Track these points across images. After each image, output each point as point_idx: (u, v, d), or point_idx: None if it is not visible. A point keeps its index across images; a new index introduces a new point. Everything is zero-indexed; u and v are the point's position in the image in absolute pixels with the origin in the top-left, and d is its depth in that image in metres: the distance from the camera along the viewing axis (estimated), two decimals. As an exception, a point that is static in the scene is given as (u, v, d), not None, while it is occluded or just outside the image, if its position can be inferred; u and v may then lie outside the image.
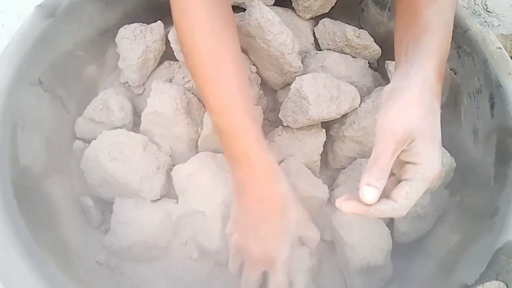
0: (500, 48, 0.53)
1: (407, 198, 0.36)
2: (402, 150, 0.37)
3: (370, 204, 0.36)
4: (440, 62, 0.41)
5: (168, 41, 0.60)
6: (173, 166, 0.58)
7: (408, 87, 0.38)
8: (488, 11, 0.78)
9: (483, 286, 0.41)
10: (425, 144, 0.37)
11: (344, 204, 0.37)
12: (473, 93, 0.55)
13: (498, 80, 0.51)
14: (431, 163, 0.37)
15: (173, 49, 0.60)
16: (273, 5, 0.67)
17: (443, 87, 0.61)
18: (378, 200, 0.36)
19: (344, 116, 0.60)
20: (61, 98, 0.60)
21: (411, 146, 0.37)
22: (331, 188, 0.61)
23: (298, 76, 0.58)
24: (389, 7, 0.64)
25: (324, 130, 0.62)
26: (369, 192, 0.35)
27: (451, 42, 0.58)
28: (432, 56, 0.40)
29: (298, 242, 0.49)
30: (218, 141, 0.47)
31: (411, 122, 0.36)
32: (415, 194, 0.37)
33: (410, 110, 0.37)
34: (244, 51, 0.61)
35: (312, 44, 0.69)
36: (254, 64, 0.62)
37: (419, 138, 0.36)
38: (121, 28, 0.63)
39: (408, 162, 0.37)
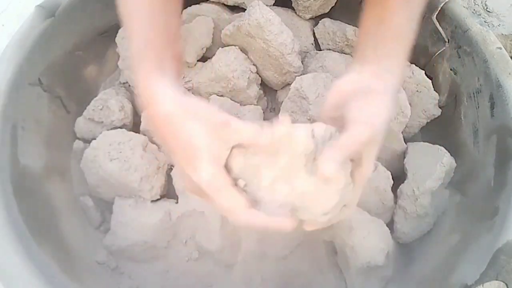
0: (500, 48, 0.53)
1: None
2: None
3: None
4: (404, 67, 0.46)
5: (168, 41, 0.60)
6: (173, 166, 0.58)
7: (383, 92, 0.40)
8: (488, 11, 0.78)
9: (483, 286, 0.41)
10: (375, 149, 0.39)
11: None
12: (473, 93, 0.55)
13: (498, 80, 0.51)
14: (369, 165, 0.40)
15: (173, 49, 0.60)
16: (273, 5, 0.67)
17: (443, 86, 0.61)
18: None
19: (344, 116, 0.60)
20: (61, 98, 0.60)
21: (367, 147, 0.38)
22: (331, 188, 0.61)
23: (298, 76, 0.58)
24: (389, 7, 0.64)
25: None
26: (331, 167, 0.35)
27: (451, 42, 0.58)
28: (401, 65, 0.44)
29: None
30: None
31: (381, 125, 0.38)
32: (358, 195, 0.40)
33: (385, 114, 0.39)
34: (244, 51, 0.61)
35: (312, 44, 0.69)
36: (254, 64, 0.62)
37: (375, 142, 0.39)
38: (121, 28, 0.63)
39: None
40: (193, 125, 0.36)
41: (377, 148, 0.40)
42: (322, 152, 0.36)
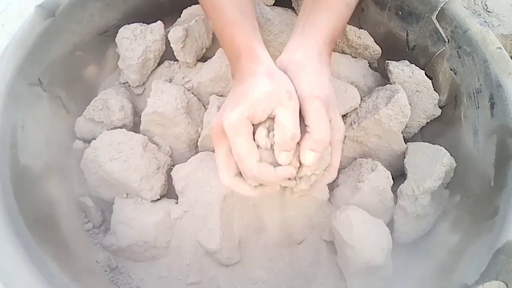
0: (500, 48, 0.53)
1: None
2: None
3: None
4: (331, 39, 0.46)
5: (168, 41, 0.60)
6: (173, 166, 0.58)
7: (308, 60, 0.42)
8: (488, 11, 0.78)
9: (483, 286, 0.41)
10: (336, 110, 0.42)
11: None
12: (473, 93, 0.55)
13: (498, 80, 0.51)
14: (339, 125, 0.42)
15: (173, 49, 0.60)
16: (273, 5, 0.67)
17: (443, 86, 0.61)
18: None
19: (344, 116, 0.60)
20: (61, 98, 0.60)
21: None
22: (331, 188, 0.61)
23: (298, 76, 0.58)
24: (389, 7, 0.64)
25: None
26: (311, 156, 0.39)
27: (451, 42, 0.58)
28: (325, 32, 0.45)
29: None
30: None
31: (326, 90, 0.41)
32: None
33: (322, 80, 0.41)
34: (244, 51, 0.61)
35: (312, 44, 0.69)
36: (254, 64, 0.61)
37: (333, 105, 0.41)
38: (121, 28, 0.63)
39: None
40: (263, 81, 0.39)
41: (335, 107, 0.42)
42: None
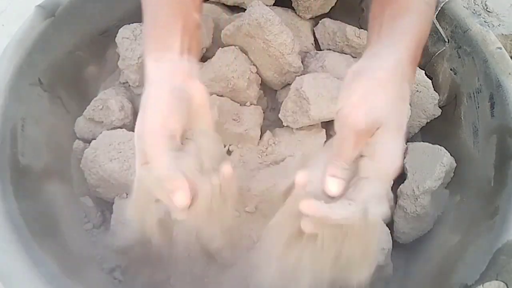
0: (500, 48, 0.53)
1: (367, 200, 0.33)
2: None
3: (335, 196, 0.34)
4: (417, 44, 0.36)
5: (168, 41, 0.60)
6: (173, 166, 0.58)
7: (377, 68, 0.34)
8: (488, 11, 0.78)
9: (483, 286, 0.41)
10: (389, 135, 0.33)
11: (306, 204, 0.33)
12: (473, 93, 0.55)
13: (498, 80, 0.51)
14: (392, 157, 0.34)
15: (173, 49, 0.60)
16: (273, 5, 0.67)
17: (443, 86, 0.61)
18: (338, 203, 0.33)
19: (344, 116, 0.60)
20: (61, 98, 0.60)
21: (374, 136, 0.33)
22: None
23: (298, 76, 0.58)
24: (389, 7, 0.64)
25: (324, 130, 0.62)
26: (334, 183, 0.34)
27: (451, 42, 0.58)
28: (408, 37, 0.36)
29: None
30: None
31: (375, 111, 0.32)
32: (375, 194, 0.33)
33: (376, 95, 0.33)
34: (244, 51, 0.61)
35: (312, 44, 0.69)
36: (254, 64, 0.62)
37: (383, 128, 0.33)
38: (121, 28, 0.63)
39: (364, 155, 0.34)
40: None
41: (394, 135, 0.33)
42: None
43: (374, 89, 0.33)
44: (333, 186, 0.34)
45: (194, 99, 0.38)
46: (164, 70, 0.38)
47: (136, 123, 0.39)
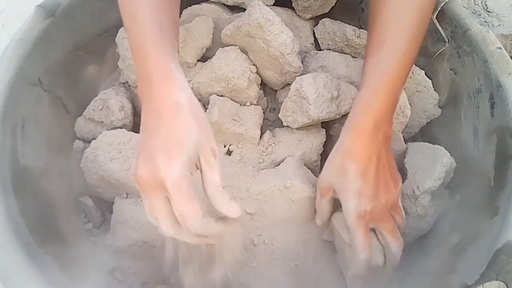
0: (500, 48, 0.53)
1: (355, 245, 0.48)
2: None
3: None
4: (366, 115, 0.44)
5: (168, 41, 0.60)
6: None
7: (333, 150, 0.48)
8: (488, 11, 0.78)
9: (483, 286, 0.41)
10: (341, 195, 0.47)
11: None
12: (473, 93, 0.55)
13: (498, 80, 0.51)
14: (347, 211, 0.46)
15: (173, 49, 0.60)
16: (273, 5, 0.67)
17: (443, 86, 0.61)
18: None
19: (344, 116, 0.60)
20: (61, 98, 0.60)
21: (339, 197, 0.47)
22: (331, 188, 0.61)
23: (298, 76, 0.58)
24: (389, 7, 0.64)
25: (324, 130, 0.62)
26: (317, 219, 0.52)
27: (451, 42, 0.58)
28: (356, 113, 0.46)
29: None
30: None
31: (322, 180, 0.49)
32: (354, 237, 0.47)
33: (324, 171, 0.49)
34: (244, 51, 0.61)
35: (312, 44, 0.69)
36: (254, 64, 0.62)
37: (336, 191, 0.47)
38: (121, 28, 0.63)
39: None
40: (194, 127, 0.37)
41: (346, 194, 0.46)
42: None
43: (325, 167, 0.49)
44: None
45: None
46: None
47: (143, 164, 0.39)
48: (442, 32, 0.59)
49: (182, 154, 0.36)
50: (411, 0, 0.43)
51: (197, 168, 0.39)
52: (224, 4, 0.67)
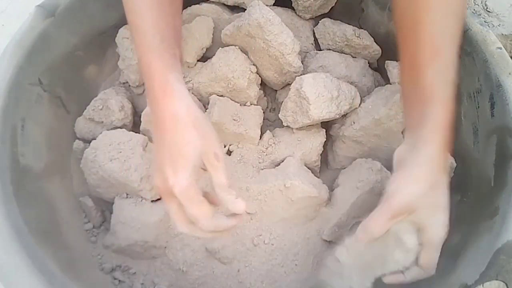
0: (500, 48, 0.53)
1: (431, 261, 0.43)
2: (409, 218, 0.42)
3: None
4: (445, 130, 0.42)
5: (168, 41, 0.60)
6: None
7: (414, 164, 0.42)
8: (488, 11, 0.78)
9: (483, 286, 0.41)
10: (426, 213, 0.42)
11: (386, 278, 0.44)
12: (473, 93, 0.55)
13: (498, 80, 0.51)
14: (436, 226, 0.42)
15: (173, 49, 0.60)
16: (273, 5, 0.67)
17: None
18: (410, 269, 0.44)
19: (344, 116, 0.60)
20: (61, 98, 0.60)
21: (414, 216, 0.42)
22: (331, 188, 0.61)
23: (298, 76, 0.58)
24: (389, 7, 0.64)
25: (324, 130, 0.62)
26: (365, 232, 0.42)
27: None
28: (435, 127, 0.42)
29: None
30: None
31: (408, 198, 0.41)
32: (436, 255, 0.43)
33: (411, 187, 0.41)
34: (244, 51, 0.61)
35: (312, 44, 0.69)
36: (254, 64, 0.62)
37: (419, 209, 0.41)
38: (121, 28, 0.63)
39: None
40: (194, 136, 0.40)
41: (432, 213, 0.42)
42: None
43: (411, 181, 0.41)
44: (364, 234, 0.42)
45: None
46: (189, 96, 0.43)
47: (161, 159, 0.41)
48: (442, 32, 0.59)
49: (187, 165, 0.39)
50: (451, 5, 0.42)
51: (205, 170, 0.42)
52: (224, 4, 0.67)
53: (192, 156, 0.39)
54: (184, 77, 0.63)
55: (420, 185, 0.41)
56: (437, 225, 0.42)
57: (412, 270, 0.44)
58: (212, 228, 0.41)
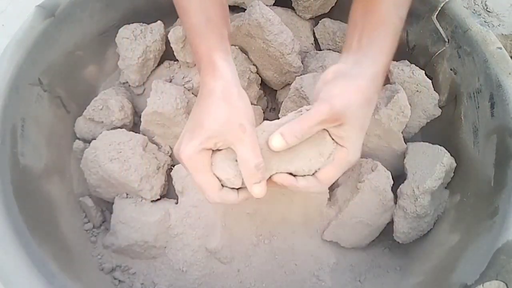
0: (500, 48, 0.53)
1: (329, 179, 0.41)
2: (332, 129, 0.40)
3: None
4: (390, 58, 0.44)
5: (168, 41, 0.60)
6: (173, 166, 0.58)
7: (359, 76, 0.41)
8: (488, 11, 0.78)
9: (483, 286, 0.41)
10: (353, 131, 0.40)
11: (275, 176, 0.41)
12: (473, 93, 0.55)
13: (498, 80, 0.51)
14: (353, 149, 0.41)
15: (173, 49, 0.60)
16: (273, 5, 0.67)
17: (443, 86, 0.61)
18: (304, 177, 0.41)
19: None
20: (61, 98, 0.60)
21: (341, 129, 0.40)
22: (331, 188, 0.61)
23: (298, 76, 0.58)
24: (389, 7, 0.64)
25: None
26: (278, 141, 0.38)
27: (451, 42, 0.58)
28: (385, 51, 0.44)
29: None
30: None
31: (348, 106, 0.39)
32: (337, 175, 0.42)
33: (353, 96, 0.40)
34: (244, 51, 0.61)
35: (312, 44, 0.69)
36: (254, 64, 0.62)
37: (349, 123, 0.40)
38: (121, 28, 0.63)
39: (337, 144, 0.41)
40: (219, 109, 0.40)
41: (356, 131, 0.41)
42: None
43: (352, 91, 0.40)
44: (277, 143, 0.38)
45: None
46: (235, 72, 0.43)
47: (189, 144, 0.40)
48: (442, 32, 0.59)
49: (201, 134, 0.39)
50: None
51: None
52: (224, 4, 0.67)
53: (210, 126, 0.39)
54: (184, 77, 0.63)
55: (360, 96, 0.40)
56: (356, 147, 0.41)
57: (306, 178, 0.41)
58: (218, 201, 0.41)
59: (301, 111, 0.41)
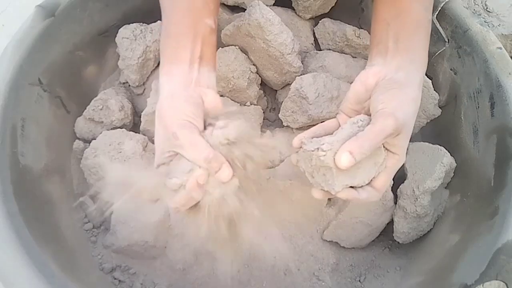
0: (500, 48, 0.53)
1: (385, 186, 0.42)
2: (388, 139, 0.40)
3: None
4: (426, 57, 0.45)
5: (168, 41, 0.60)
6: (173, 166, 0.58)
7: (409, 84, 0.42)
8: (488, 11, 0.78)
9: (483, 286, 0.41)
10: (406, 139, 0.41)
11: (341, 193, 0.40)
12: (473, 93, 0.55)
13: (498, 80, 0.51)
14: (403, 155, 0.41)
15: (173, 49, 0.60)
16: (273, 5, 0.67)
17: (443, 86, 0.61)
18: (364, 188, 0.41)
19: (344, 116, 0.60)
20: (61, 98, 0.60)
21: (396, 139, 0.40)
22: (331, 188, 0.61)
23: (298, 76, 0.58)
24: (389, 7, 0.64)
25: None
26: (347, 160, 0.37)
27: (451, 42, 0.58)
28: (424, 57, 0.44)
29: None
30: None
31: (408, 118, 0.40)
32: (389, 181, 0.42)
33: (410, 107, 0.41)
34: (244, 51, 0.61)
35: (312, 44, 0.69)
36: (254, 64, 0.62)
37: (405, 133, 0.40)
38: (121, 28, 0.63)
39: (388, 151, 0.41)
40: (158, 129, 0.42)
41: (407, 139, 0.41)
42: (345, 143, 0.38)
43: (408, 102, 0.41)
44: (345, 162, 0.37)
45: (206, 104, 0.42)
46: (175, 83, 0.42)
47: (156, 130, 0.42)
48: (442, 32, 0.59)
49: (156, 152, 0.42)
50: None
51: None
52: (224, 4, 0.67)
53: (157, 144, 0.42)
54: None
55: (414, 106, 0.41)
56: (404, 153, 0.42)
57: (365, 189, 0.41)
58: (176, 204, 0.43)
59: (357, 123, 0.40)
